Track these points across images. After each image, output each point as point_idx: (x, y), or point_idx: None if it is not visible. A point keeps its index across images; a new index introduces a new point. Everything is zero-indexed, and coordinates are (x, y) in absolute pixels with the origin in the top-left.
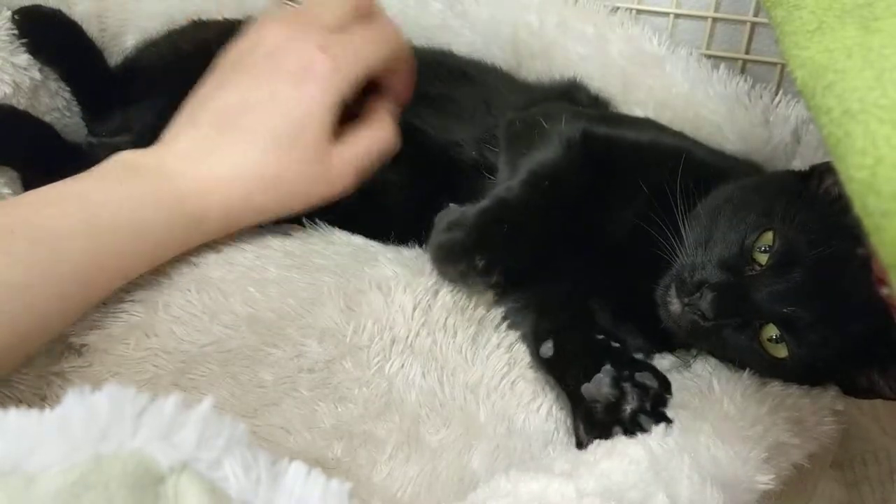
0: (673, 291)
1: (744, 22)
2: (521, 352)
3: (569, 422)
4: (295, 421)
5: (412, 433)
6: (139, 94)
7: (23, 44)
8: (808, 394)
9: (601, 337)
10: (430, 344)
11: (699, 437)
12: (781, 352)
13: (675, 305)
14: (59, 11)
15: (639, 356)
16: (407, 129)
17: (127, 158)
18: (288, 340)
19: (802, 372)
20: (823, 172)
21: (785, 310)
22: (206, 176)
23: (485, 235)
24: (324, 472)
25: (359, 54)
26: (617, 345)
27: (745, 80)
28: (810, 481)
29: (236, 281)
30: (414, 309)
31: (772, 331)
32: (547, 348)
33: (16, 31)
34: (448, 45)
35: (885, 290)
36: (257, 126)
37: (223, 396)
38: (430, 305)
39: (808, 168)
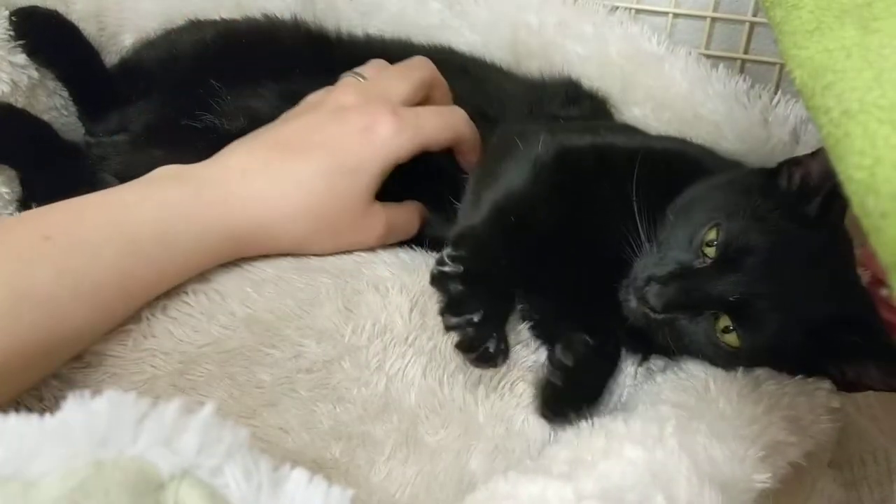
0: (628, 289)
1: (743, 22)
2: (520, 353)
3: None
4: (293, 422)
5: (411, 434)
6: (137, 94)
7: (20, 45)
8: (804, 392)
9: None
10: (428, 345)
11: (696, 437)
12: (735, 341)
13: (631, 302)
14: (56, 13)
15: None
16: None
17: (173, 168)
18: (286, 341)
19: (766, 360)
20: (791, 166)
21: (732, 298)
22: (251, 194)
23: (458, 301)
24: (322, 472)
25: (422, 127)
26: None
27: (744, 80)
28: (808, 480)
29: (234, 281)
30: (411, 310)
31: (725, 321)
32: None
33: (13, 32)
34: (447, 45)
35: (884, 291)
36: (315, 160)
37: (221, 397)
38: (427, 306)
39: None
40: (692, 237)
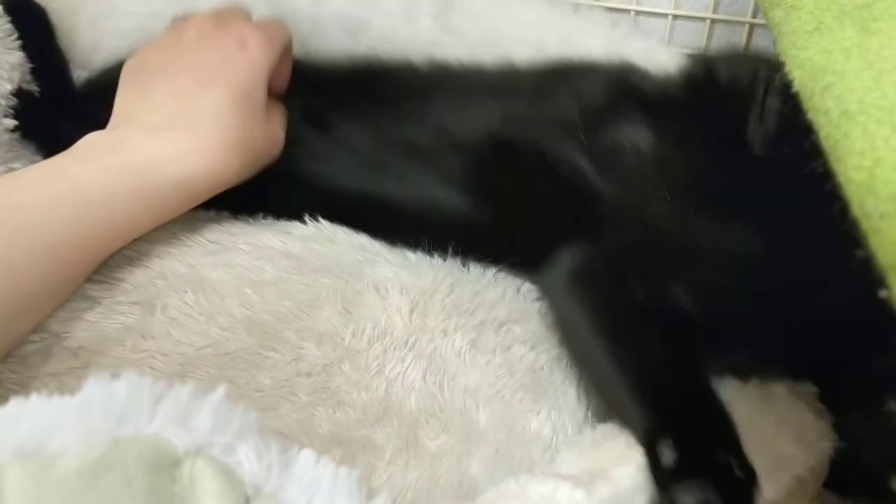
0: None
1: (742, 23)
2: (521, 355)
3: (569, 427)
4: (293, 426)
5: (411, 438)
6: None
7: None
8: (812, 409)
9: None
10: (429, 348)
11: None
12: None
13: None
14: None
15: None
16: None
17: (97, 137)
18: (286, 343)
19: None
20: None
21: None
22: (172, 146)
23: None
24: None
25: (274, 37)
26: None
27: None
28: (809, 492)
29: (233, 282)
30: (411, 312)
31: None
32: (669, 459)
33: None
34: None
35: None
36: (218, 97)
37: None
38: (427, 308)
39: None
40: None
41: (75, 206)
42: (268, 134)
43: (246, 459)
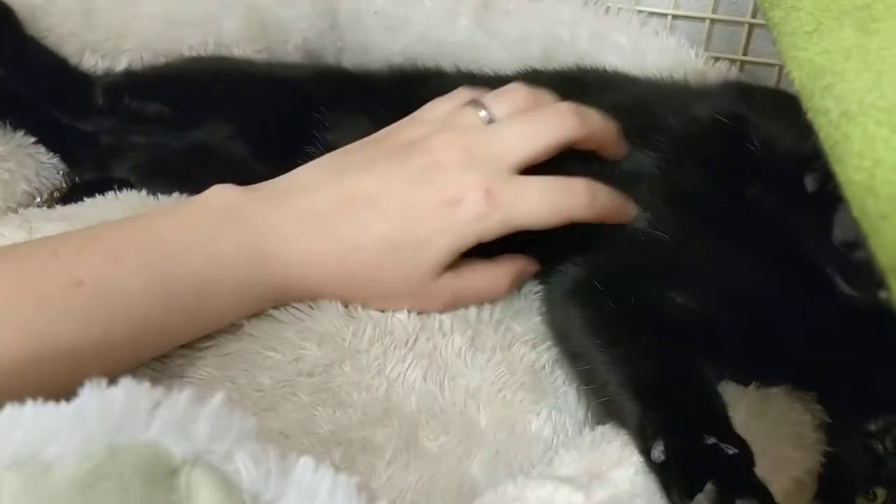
0: None
1: (742, 23)
2: (521, 354)
3: (569, 428)
4: (293, 426)
5: (411, 439)
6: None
7: None
8: (810, 410)
9: (712, 441)
10: (429, 348)
11: None
12: None
13: None
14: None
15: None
16: None
17: (229, 199)
18: (286, 344)
19: None
20: None
21: None
22: (306, 248)
23: None
24: None
25: (518, 211)
26: (731, 450)
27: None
28: (806, 494)
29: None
30: (409, 312)
31: None
32: (658, 452)
33: None
34: (476, 62)
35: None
36: (380, 227)
37: None
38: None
39: None
40: None
41: (165, 296)
42: (421, 292)
43: (244, 467)
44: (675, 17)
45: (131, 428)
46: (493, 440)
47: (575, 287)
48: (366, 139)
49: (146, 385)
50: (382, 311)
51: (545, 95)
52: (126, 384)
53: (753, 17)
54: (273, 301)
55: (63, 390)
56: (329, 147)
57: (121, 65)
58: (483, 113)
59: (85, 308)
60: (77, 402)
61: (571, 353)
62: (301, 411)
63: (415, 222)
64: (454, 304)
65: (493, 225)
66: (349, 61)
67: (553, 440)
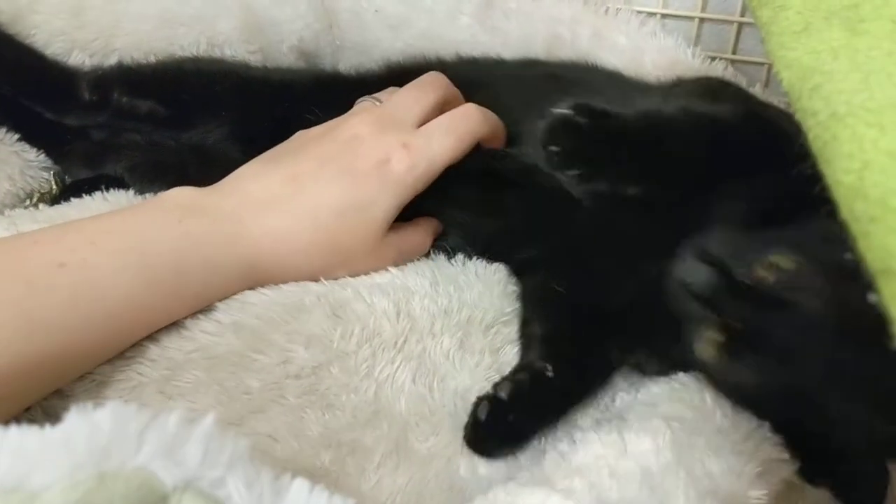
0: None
1: (731, 22)
2: (511, 355)
3: (558, 430)
4: (282, 429)
5: (401, 441)
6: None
7: None
8: None
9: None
10: (417, 348)
11: (693, 451)
12: None
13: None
14: None
15: None
16: None
17: (186, 196)
18: (274, 346)
19: None
20: None
21: None
22: (266, 230)
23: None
24: (313, 481)
25: (436, 156)
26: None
27: (764, 88)
28: (797, 494)
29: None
30: (398, 314)
31: None
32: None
33: None
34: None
35: (873, 297)
36: (329, 195)
37: (209, 404)
38: (412, 309)
39: None
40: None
41: (144, 274)
42: (375, 252)
43: (236, 491)
44: (664, 15)
45: (120, 453)
46: None
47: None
48: (288, 140)
49: (134, 407)
50: (367, 306)
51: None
52: (114, 407)
53: (742, 15)
54: (249, 279)
55: (54, 373)
56: None
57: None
58: (378, 103)
59: (69, 287)
60: (63, 427)
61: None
62: (290, 414)
63: (356, 186)
64: (400, 260)
65: (421, 172)
66: (347, 61)
67: (541, 442)
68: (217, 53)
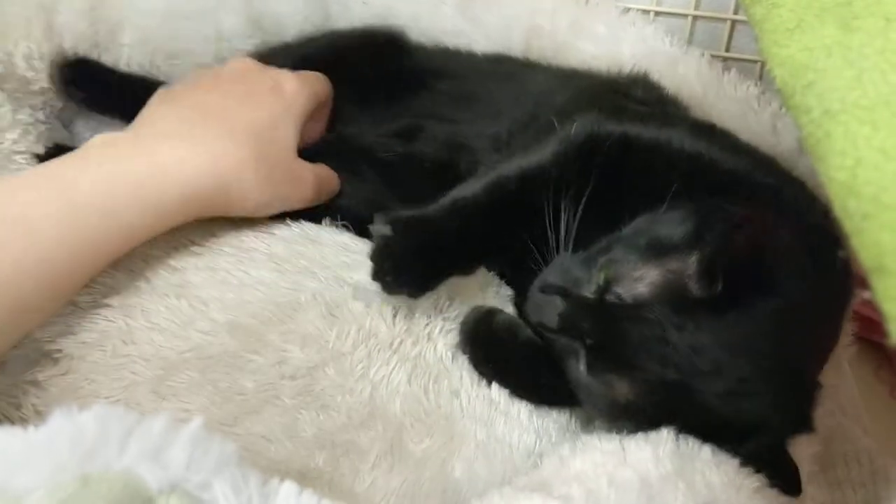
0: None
1: (724, 19)
2: None
3: (553, 432)
4: (277, 430)
5: (396, 442)
6: None
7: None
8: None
9: None
10: (413, 351)
11: (695, 462)
12: None
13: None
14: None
15: None
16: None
17: (106, 138)
18: (269, 347)
19: None
20: None
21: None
22: (184, 156)
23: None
24: (306, 482)
25: (311, 85)
26: None
27: (756, 85)
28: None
29: (216, 286)
30: (394, 315)
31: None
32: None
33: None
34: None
35: (866, 294)
36: (237, 117)
37: (203, 405)
38: (410, 310)
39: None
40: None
41: (70, 216)
42: (293, 173)
43: (223, 495)
44: (657, 13)
45: (104, 455)
46: (473, 440)
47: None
48: (173, 85)
49: (119, 409)
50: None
51: None
52: (98, 409)
53: (736, 13)
54: (189, 209)
55: None
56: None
57: (122, 59)
58: None
59: None
60: (47, 429)
61: None
62: (284, 415)
63: (259, 108)
64: (320, 189)
65: (308, 97)
66: None
67: (536, 444)
68: (224, 47)
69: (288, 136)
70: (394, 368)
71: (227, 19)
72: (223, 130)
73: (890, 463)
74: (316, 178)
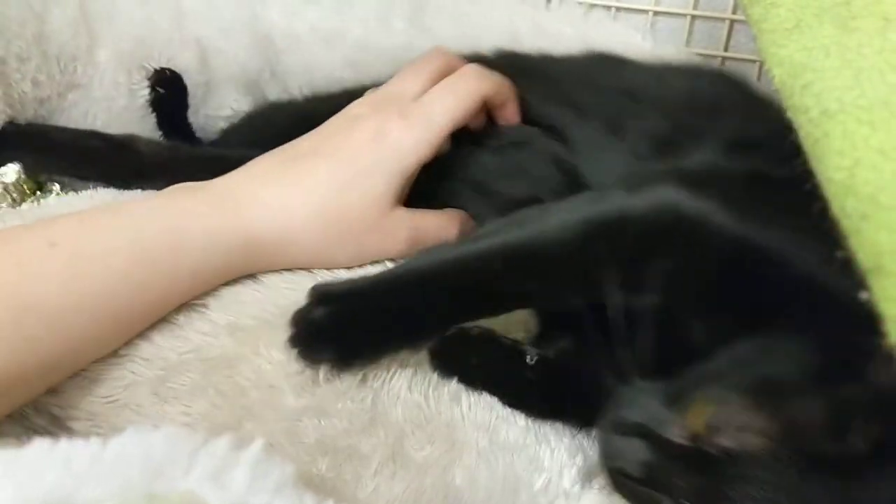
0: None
1: (723, 19)
2: None
3: (551, 437)
4: (278, 435)
5: (397, 449)
6: None
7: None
8: None
9: None
10: (413, 358)
11: None
12: None
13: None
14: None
15: None
16: None
17: (189, 183)
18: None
19: None
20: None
21: None
22: (263, 203)
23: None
24: (309, 488)
25: (434, 115)
26: None
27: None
28: None
29: (216, 287)
30: None
31: None
32: None
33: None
34: None
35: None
36: (325, 166)
37: (205, 407)
38: None
39: None
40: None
41: (137, 252)
42: (382, 226)
43: None
44: (656, 13)
45: (170, 475)
46: (475, 448)
47: None
48: None
49: (186, 430)
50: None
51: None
52: (168, 430)
53: (734, 13)
54: (248, 258)
55: (46, 365)
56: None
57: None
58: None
59: (61, 267)
60: (117, 444)
61: None
62: (286, 419)
63: (353, 159)
64: (415, 242)
65: (420, 134)
66: (294, 82)
67: (535, 449)
68: (187, 80)
69: (377, 190)
70: (393, 374)
71: (184, 55)
72: (303, 185)
73: None
74: (412, 232)
